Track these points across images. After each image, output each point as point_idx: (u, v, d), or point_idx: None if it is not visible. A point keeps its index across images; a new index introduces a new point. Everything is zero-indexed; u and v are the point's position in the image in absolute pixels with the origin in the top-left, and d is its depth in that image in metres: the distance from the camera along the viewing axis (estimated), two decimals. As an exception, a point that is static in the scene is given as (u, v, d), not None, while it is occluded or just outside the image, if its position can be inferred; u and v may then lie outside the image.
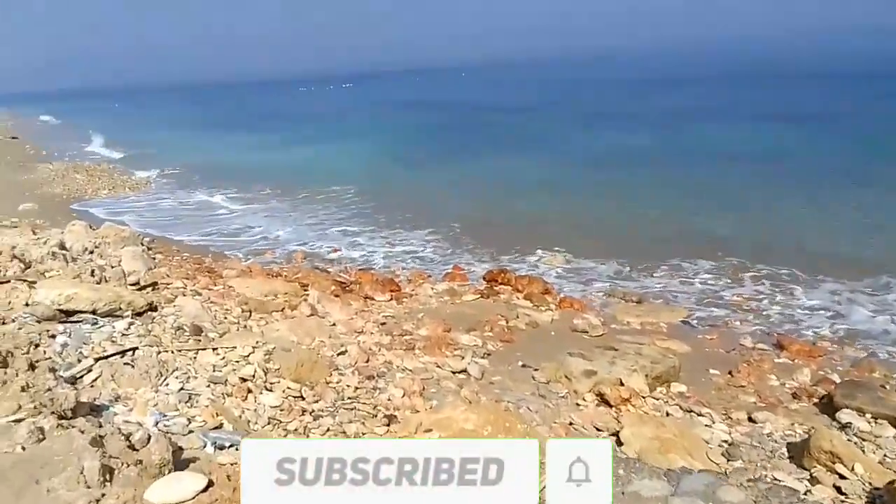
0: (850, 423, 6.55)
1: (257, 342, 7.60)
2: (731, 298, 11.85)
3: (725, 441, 6.09)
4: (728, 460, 5.68)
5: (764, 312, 11.16)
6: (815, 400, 7.61)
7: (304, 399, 6.63)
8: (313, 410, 6.42)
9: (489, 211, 19.41)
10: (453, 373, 8.13)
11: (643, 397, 7.29)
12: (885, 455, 5.96)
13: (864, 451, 5.86)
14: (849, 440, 5.97)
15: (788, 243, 14.62)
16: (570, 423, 6.66)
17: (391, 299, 11.65)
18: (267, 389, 6.61)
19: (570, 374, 7.59)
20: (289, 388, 6.71)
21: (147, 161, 32.73)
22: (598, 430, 6.57)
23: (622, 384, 7.40)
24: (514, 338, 9.79)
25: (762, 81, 59.22)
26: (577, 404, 7.18)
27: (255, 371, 6.81)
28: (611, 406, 7.05)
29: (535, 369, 8.27)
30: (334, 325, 9.56)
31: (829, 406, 7.20)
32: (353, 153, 33.16)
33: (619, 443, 5.78)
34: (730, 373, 8.51)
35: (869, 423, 6.60)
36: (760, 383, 8.22)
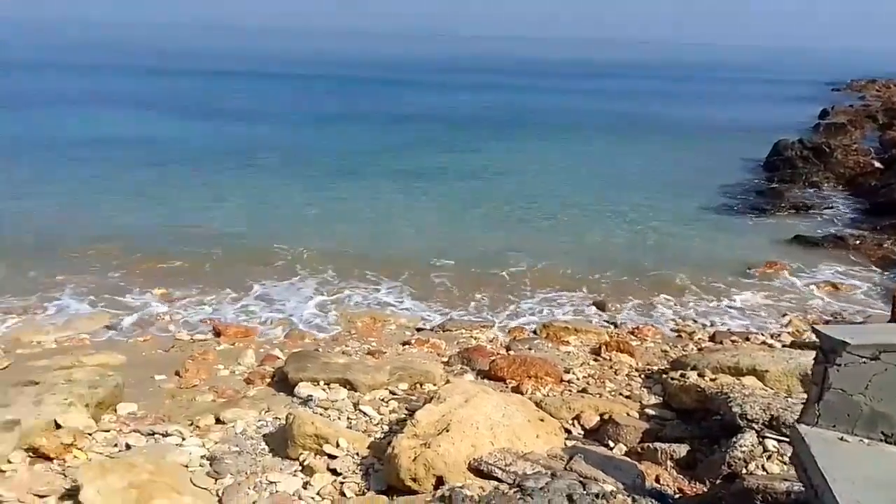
0: (311, 395, 6.75)
1: None
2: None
3: (205, 457, 5.40)
4: (217, 479, 5.04)
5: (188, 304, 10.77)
6: (269, 380, 7.62)
7: None
8: None
9: None
10: None
11: (89, 434, 5.91)
12: (348, 418, 6.33)
13: (331, 420, 6.08)
14: (319, 414, 6.09)
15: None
16: (1, 502, 4.85)
17: None
18: None
19: (-20, 434, 5.56)
20: None
21: None
22: (41, 497, 4.98)
23: (59, 427, 5.83)
24: None
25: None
26: (2, 471, 5.32)
27: None
28: (51, 459, 5.46)
29: (-83, 441, 5.81)
30: None
31: (284, 383, 7.28)
32: None
33: (83, 508, 4.45)
34: (177, 373, 7.79)
35: (324, 390, 6.93)
36: (212, 378, 7.78)
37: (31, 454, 5.53)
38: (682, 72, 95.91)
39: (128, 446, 5.69)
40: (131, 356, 8.47)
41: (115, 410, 6.59)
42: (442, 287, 11.92)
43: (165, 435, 5.87)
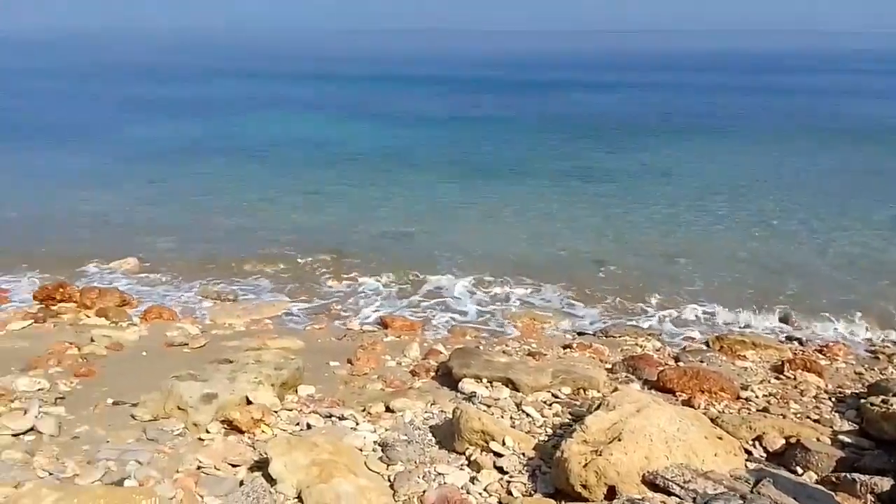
0: (475, 392, 6.84)
1: None
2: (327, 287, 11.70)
3: (377, 442, 5.65)
4: (388, 465, 5.25)
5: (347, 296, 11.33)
6: (433, 374, 7.82)
7: None
8: None
9: (23, 213, 15.62)
10: (14, 436, 5.93)
11: (275, 412, 6.40)
12: (511, 417, 6.33)
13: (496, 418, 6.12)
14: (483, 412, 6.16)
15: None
16: (199, 468, 5.38)
17: None
18: None
19: (185, 403, 6.21)
20: None
21: None
22: (234, 466, 5.46)
23: (250, 403, 6.37)
24: (93, 368, 7.76)
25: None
26: (201, 439, 5.90)
27: None
28: (242, 432, 5.97)
29: (134, 405, 6.60)
30: None
31: (448, 378, 7.43)
32: None
33: (271, 480, 4.81)
34: (349, 361, 8.21)
35: (487, 388, 7.00)
36: (380, 367, 8.12)
37: (225, 426, 6.09)
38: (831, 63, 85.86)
39: (308, 426, 6.09)
40: (308, 342, 9.08)
41: (296, 391, 7.08)
42: (604, 291, 11.58)
43: (341, 418, 6.22)
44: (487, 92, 47.19)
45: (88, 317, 9.64)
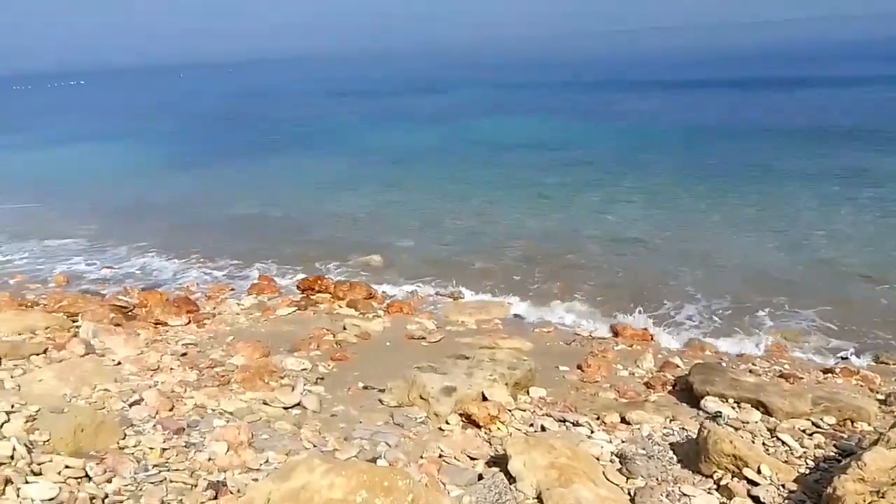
0: (720, 411, 6.35)
1: (13, 405, 5.58)
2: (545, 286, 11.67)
3: (615, 454, 5.48)
4: (628, 478, 5.06)
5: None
6: (670, 387, 7.42)
7: (90, 479, 4.85)
8: (107, 495, 4.68)
9: (287, 213, 17.76)
10: (285, 409, 6.71)
11: (509, 410, 6.51)
12: (763, 443, 5.77)
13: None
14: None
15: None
16: (440, 456, 5.64)
17: (189, 322, 9.76)
18: (34, 474, 4.73)
19: (427, 393, 6.57)
20: (67, 466, 4.88)
21: None
22: (472, 458, 5.64)
23: (485, 399, 6.55)
24: (346, 354, 8.55)
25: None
26: (441, 429, 6.19)
27: (15, 449, 4.87)
28: (479, 427, 6.16)
29: (381, 390, 7.15)
30: (119, 364, 7.58)
31: (687, 393, 7.00)
32: (117, 156, 29.15)
33: (510, 477, 4.88)
34: (579, 367, 8.10)
35: (734, 408, 6.46)
36: (611, 376, 7.91)
37: (463, 419, 6.32)
38: None
39: (543, 428, 6.10)
40: (537, 344, 9.14)
41: (528, 392, 7.14)
42: (874, 310, 10.10)
43: (575, 424, 6.14)
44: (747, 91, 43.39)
45: (341, 307, 10.65)
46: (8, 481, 4.54)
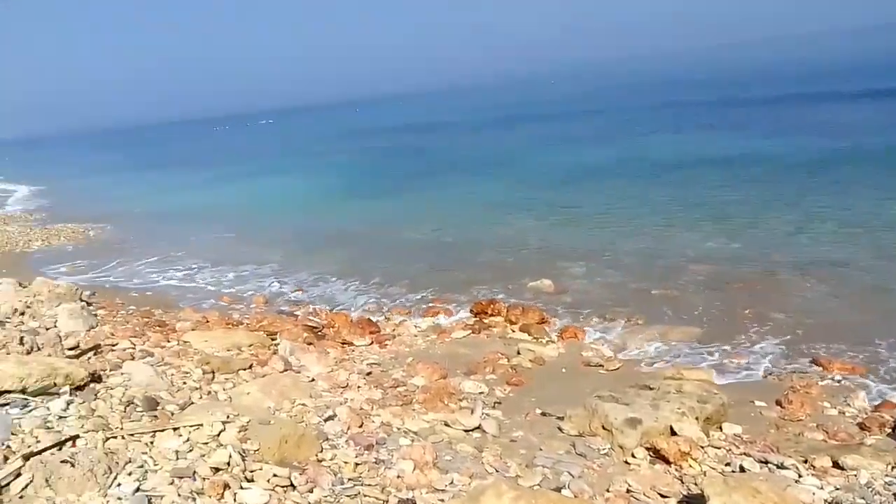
0: (958, 462, 5.51)
1: (228, 415, 6.16)
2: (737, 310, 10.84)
3: (828, 502, 4.94)
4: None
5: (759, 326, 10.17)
6: (889, 430, 6.56)
7: (294, 489, 5.22)
8: (309, 504, 5.00)
9: (458, 238, 18.19)
10: (466, 431, 6.81)
11: (702, 447, 6.10)
12: None
13: None
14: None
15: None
16: (628, 491, 5.41)
17: (372, 343, 10.27)
18: (248, 480, 5.18)
19: (610, 424, 6.35)
20: (275, 475, 5.29)
21: (79, 209, 30.32)
22: (663, 496, 5.34)
23: (674, 433, 6.20)
24: (522, 379, 8.54)
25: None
26: (627, 463, 5.95)
27: (231, 456, 5.37)
28: (669, 463, 5.83)
29: (560, 418, 7.02)
30: (313, 380, 8.14)
31: (913, 439, 6.16)
32: (300, 188, 31.65)
33: (709, 520, 4.55)
34: (778, 403, 7.42)
35: (975, 460, 5.57)
36: (817, 414, 7.16)
37: (651, 453, 6.03)
38: None
39: (741, 468, 5.65)
40: (726, 376, 8.50)
41: (720, 428, 6.66)
42: None
43: (780, 466, 5.62)
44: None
45: (514, 331, 10.67)
46: (226, 486, 5.00)
